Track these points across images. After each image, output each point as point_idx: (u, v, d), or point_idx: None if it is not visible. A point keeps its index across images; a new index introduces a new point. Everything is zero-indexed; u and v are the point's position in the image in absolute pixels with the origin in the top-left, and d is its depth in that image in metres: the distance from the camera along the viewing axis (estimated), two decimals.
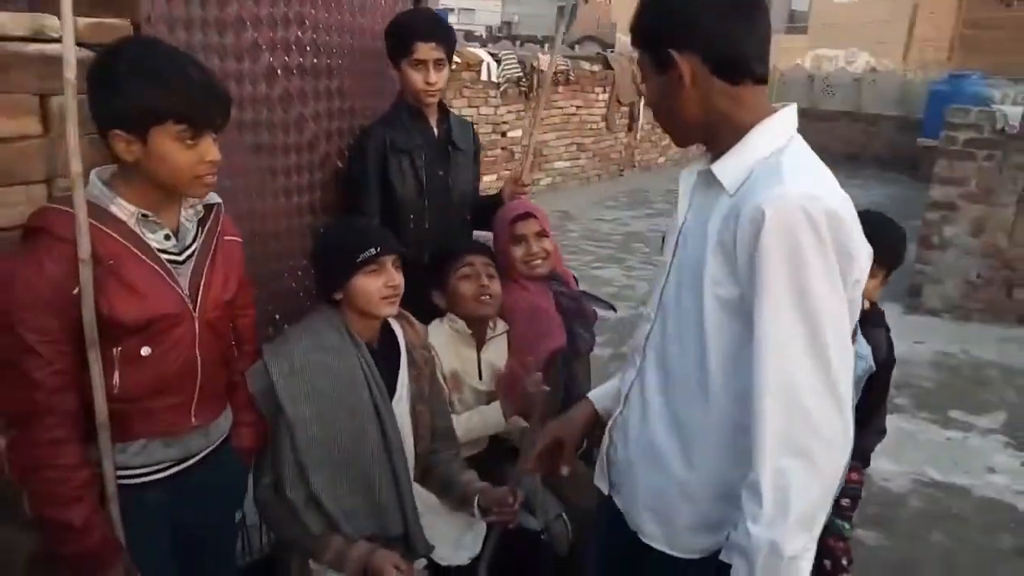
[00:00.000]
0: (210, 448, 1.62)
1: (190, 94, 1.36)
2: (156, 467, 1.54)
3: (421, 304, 2.20)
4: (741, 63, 1.22)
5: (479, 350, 2.25)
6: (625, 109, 10.67)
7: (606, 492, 1.47)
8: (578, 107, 9.75)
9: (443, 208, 2.44)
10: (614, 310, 2.75)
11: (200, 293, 1.50)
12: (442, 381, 2.13)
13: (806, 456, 1.09)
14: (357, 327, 1.84)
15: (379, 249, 1.77)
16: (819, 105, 14.17)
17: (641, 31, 1.27)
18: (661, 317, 1.33)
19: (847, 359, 1.12)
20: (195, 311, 1.49)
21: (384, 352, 1.89)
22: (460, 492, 1.94)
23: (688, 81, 1.21)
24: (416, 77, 2.30)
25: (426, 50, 2.27)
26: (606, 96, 10.22)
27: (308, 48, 2.30)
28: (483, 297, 2.16)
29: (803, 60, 16.78)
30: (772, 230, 1.09)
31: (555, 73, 8.96)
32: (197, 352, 1.51)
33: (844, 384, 1.11)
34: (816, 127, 14.26)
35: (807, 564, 1.10)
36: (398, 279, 1.82)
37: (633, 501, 1.37)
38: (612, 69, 10.20)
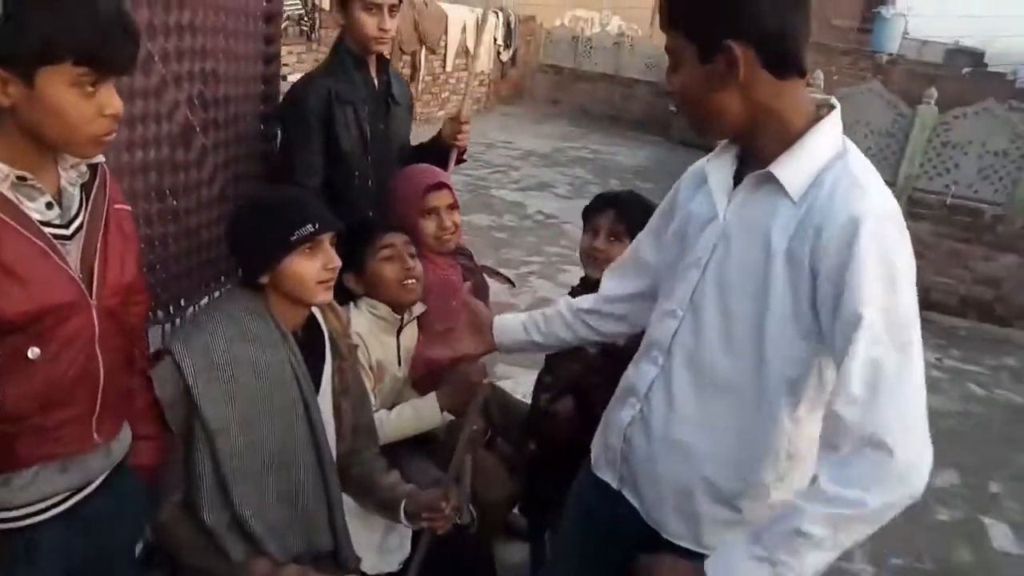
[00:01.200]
0: (110, 469, 1.33)
1: (97, 28, 1.07)
2: (50, 500, 1.23)
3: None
4: (792, 56, 1.15)
5: (398, 335, 2.05)
6: (407, 58, 10.36)
7: (615, 486, 1.41)
8: None
9: (384, 165, 2.29)
10: (512, 284, 2.66)
11: (96, 275, 1.21)
12: (369, 371, 1.93)
13: None
14: (283, 315, 1.57)
15: (317, 225, 1.50)
16: (582, 66, 14.86)
17: (687, 15, 1.17)
18: (692, 317, 1.27)
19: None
20: (92, 298, 1.20)
21: (309, 342, 1.65)
22: (383, 496, 1.75)
23: (741, 72, 1.13)
24: (370, 22, 2.16)
25: None
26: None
27: None
28: (408, 281, 1.96)
29: (563, 19, 17.39)
30: (871, 246, 1.07)
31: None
32: (97, 350, 1.22)
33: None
34: (580, 88, 15.03)
35: None
36: (337, 260, 1.57)
37: (657, 501, 1.33)
38: None
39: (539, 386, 2.17)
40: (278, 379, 1.53)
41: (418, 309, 2.08)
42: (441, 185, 2.14)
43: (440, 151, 2.43)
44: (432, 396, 2.00)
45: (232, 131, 2.30)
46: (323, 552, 1.62)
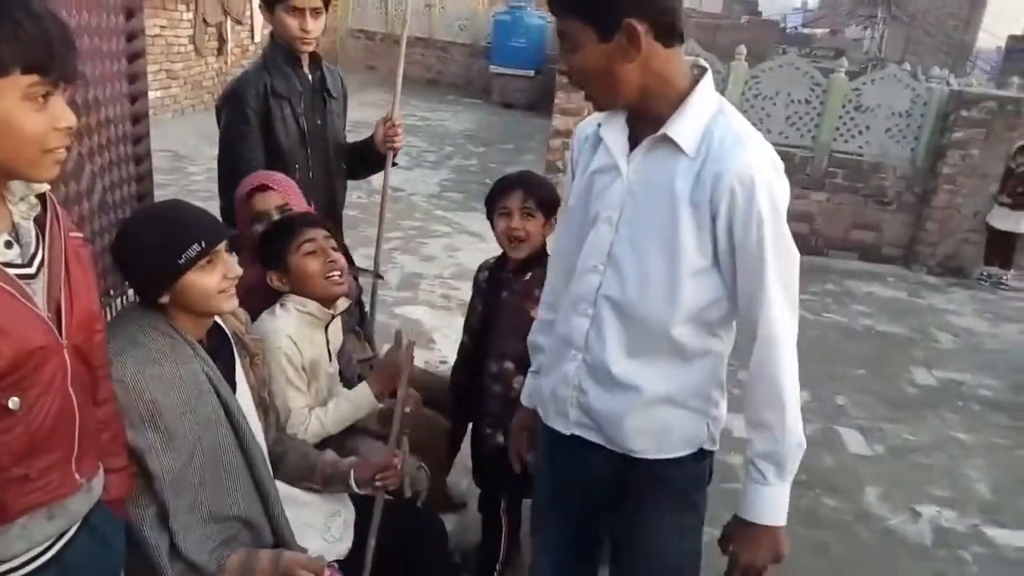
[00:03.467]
0: (91, 506, 1.26)
1: (41, 35, 1.00)
2: (38, 548, 1.16)
3: None
4: (678, 25, 1.29)
5: (326, 331, 2.01)
6: (213, 30, 9.68)
7: (565, 432, 1.54)
8: (162, 27, 8.56)
9: (323, 157, 2.36)
10: (381, 278, 2.66)
11: (64, 312, 1.14)
12: (302, 372, 1.91)
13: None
14: (187, 327, 1.53)
15: (204, 243, 1.45)
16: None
17: (585, 1, 1.26)
18: (613, 270, 1.41)
19: None
20: (62, 337, 1.13)
21: (216, 347, 1.62)
22: (328, 472, 1.78)
23: (641, 46, 1.25)
24: (292, 23, 2.21)
25: None
26: (191, 15, 9.14)
27: None
28: (332, 274, 1.92)
29: None
30: (762, 194, 1.27)
31: None
32: (71, 390, 1.16)
33: None
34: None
35: None
36: (237, 269, 1.54)
37: (619, 429, 1.47)
38: None
39: (493, 373, 2.17)
40: (195, 392, 1.50)
41: (343, 303, 2.05)
42: (264, 187, 2.07)
43: (372, 153, 2.46)
44: (364, 385, 2.02)
45: (104, 136, 2.10)
46: (265, 546, 1.62)
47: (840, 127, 6.55)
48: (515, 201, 2.10)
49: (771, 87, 6.44)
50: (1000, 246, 6.63)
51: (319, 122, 2.37)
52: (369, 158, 2.49)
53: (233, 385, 1.62)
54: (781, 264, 1.30)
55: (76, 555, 1.22)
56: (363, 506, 1.85)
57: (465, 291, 5.04)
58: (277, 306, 1.94)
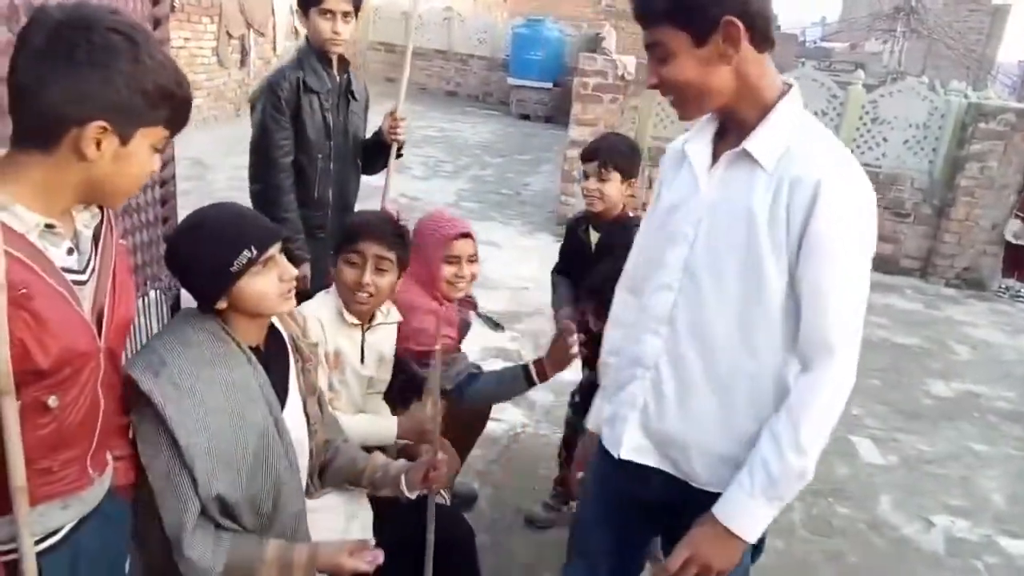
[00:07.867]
0: (102, 496, 1.31)
1: (186, 103, 1.15)
2: (50, 533, 1.22)
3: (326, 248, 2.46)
4: (771, 28, 1.26)
5: (364, 331, 2.06)
6: (236, 42, 9.84)
7: (619, 456, 1.48)
8: (186, 39, 8.72)
9: (342, 151, 2.63)
10: (501, 329, 2.73)
11: (105, 317, 1.19)
12: (324, 360, 1.96)
13: None
14: (244, 330, 1.53)
15: (255, 250, 1.45)
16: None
17: (677, 5, 1.23)
18: (691, 287, 1.36)
19: None
20: (100, 341, 1.18)
21: (272, 354, 1.62)
22: (378, 477, 1.76)
23: (739, 48, 1.22)
24: (324, 26, 2.44)
25: (335, 1, 2.43)
26: (215, 27, 9.29)
27: None
28: (360, 294, 1.96)
29: None
30: (828, 210, 1.22)
31: None
32: (100, 393, 1.21)
33: None
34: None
35: None
36: (292, 270, 1.54)
37: (684, 457, 1.42)
38: None
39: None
40: (247, 397, 1.49)
41: (394, 316, 2.10)
42: (467, 235, 2.19)
43: (380, 146, 2.69)
44: (393, 419, 2.07)
45: None
46: None
47: (857, 139, 6.54)
48: (592, 167, 2.42)
49: None
50: (1017, 259, 6.59)
51: (341, 118, 2.62)
52: (375, 150, 2.73)
53: (286, 391, 1.62)
54: (847, 290, 1.26)
55: (86, 537, 1.27)
56: (380, 508, 1.86)
57: (482, 299, 5.07)
58: (323, 292, 2.07)
